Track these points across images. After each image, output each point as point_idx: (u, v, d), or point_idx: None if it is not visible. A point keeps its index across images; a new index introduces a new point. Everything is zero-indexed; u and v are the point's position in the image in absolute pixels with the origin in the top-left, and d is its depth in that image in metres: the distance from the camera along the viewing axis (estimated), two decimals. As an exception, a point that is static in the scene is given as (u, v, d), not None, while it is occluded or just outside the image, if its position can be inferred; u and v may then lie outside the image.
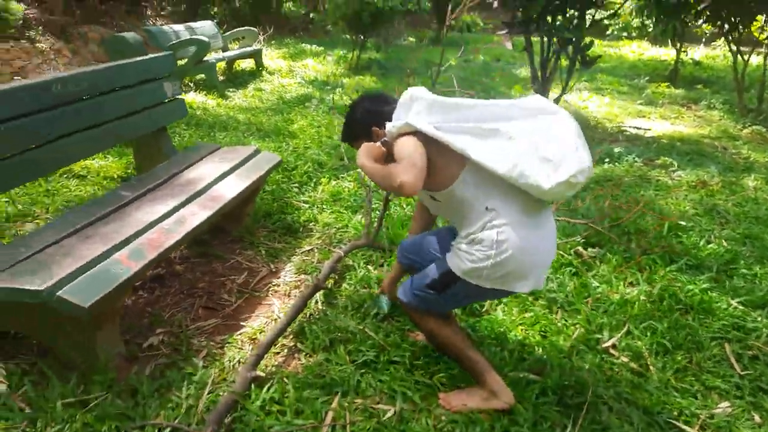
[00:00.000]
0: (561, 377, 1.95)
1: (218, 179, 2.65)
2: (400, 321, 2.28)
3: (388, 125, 1.71)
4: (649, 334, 2.24)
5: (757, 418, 1.87)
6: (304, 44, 10.31)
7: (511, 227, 1.59)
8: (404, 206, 3.40)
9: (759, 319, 2.38)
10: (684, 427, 1.81)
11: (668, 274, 2.67)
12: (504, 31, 4.98)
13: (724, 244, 3.06)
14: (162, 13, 11.11)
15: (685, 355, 2.14)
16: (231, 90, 6.57)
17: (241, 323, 2.30)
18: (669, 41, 9.40)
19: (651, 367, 2.07)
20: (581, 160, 1.52)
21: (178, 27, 6.77)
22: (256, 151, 3.05)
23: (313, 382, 1.91)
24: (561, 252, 2.82)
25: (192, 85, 6.48)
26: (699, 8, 6.21)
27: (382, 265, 2.74)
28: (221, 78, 6.99)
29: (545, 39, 5.00)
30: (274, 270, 2.73)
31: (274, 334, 2.07)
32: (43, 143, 2.16)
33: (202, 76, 6.54)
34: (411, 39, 12.74)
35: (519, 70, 9.08)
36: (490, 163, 1.56)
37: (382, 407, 1.82)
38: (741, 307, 2.46)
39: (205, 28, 7.27)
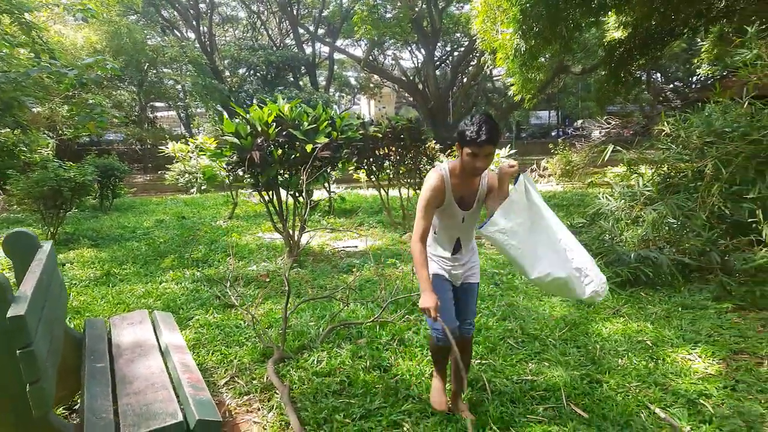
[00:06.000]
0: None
1: (157, 336, 2.99)
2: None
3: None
4: (528, 346, 3.74)
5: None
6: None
7: None
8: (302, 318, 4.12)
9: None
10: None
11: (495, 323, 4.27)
12: (250, 191, 6.21)
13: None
14: None
15: (552, 349, 3.69)
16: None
17: (242, 438, 2.75)
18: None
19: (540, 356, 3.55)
20: None
21: None
22: (150, 312, 3.38)
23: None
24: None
25: None
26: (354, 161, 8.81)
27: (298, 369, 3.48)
28: None
29: (282, 192, 6.45)
30: (216, 402, 3.13)
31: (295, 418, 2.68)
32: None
33: None
34: (75, 209, 12.26)
35: (219, 222, 10.11)
36: None
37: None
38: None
39: None
